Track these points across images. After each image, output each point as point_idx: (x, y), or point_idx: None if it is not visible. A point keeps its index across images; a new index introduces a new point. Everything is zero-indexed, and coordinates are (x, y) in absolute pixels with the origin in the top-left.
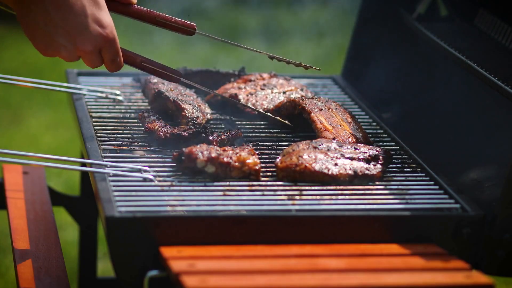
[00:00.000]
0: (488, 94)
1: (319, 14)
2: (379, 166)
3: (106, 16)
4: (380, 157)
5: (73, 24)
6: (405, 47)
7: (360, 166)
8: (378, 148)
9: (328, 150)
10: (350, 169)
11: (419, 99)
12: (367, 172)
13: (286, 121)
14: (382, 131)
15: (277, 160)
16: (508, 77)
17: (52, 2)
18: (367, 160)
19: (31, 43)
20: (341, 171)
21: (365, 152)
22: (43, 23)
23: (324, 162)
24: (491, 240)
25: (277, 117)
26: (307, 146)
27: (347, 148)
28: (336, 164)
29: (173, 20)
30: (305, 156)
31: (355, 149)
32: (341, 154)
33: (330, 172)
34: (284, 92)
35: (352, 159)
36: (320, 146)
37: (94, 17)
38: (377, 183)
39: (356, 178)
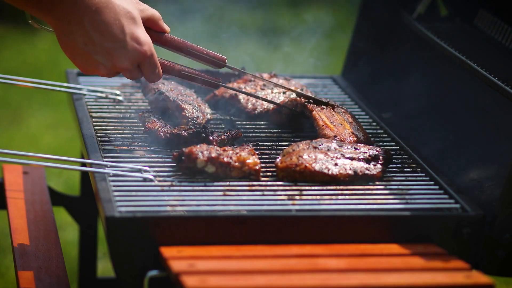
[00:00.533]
0: (488, 94)
1: (319, 14)
2: (379, 166)
3: (142, 33)
4: (380, 157)
5: (111, 43)
6: (405, 47)
7: (360, 166)
8: (378, 148)
9: (328, 150)
10: (350, 169)
11: (419, 99)
12: (367, 172)
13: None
14: (382, 131)
15: (277, 160)
16: (508, 77)
17: (92, 22)
18: (367, 160)
19: (70, 61)
20: (341, 171)
21: (365, 152)
22: (82, 43)
23: (324, 162)
24: (491, 240)
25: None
26: (307, 146)
27: (347, 148)
28: (336, 164)
29: (205, 52)
30: (305, 156)
31: (355, 149)
32: (341, 154)
33: (330, 172)
34: (284, 92)
35: (352, 159)
36: (320, 146)
37: (132, 35)
38: (377, 183)
39: (356, 178)
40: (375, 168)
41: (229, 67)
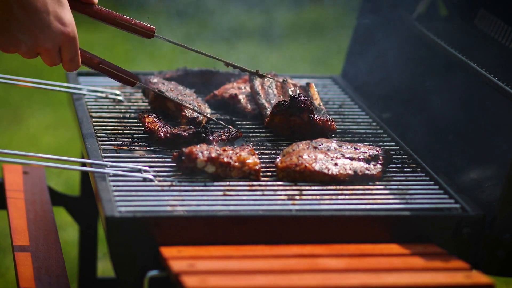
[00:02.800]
0: (488, 94)
1: (319, 14)
2: (379, 166)
3: (68, 14)
4: (380, 157)
5: (35, 21)
6: (405, 47)
7: (360, 166)
8: (378, 148)
9: (328, 150)
10: (350, 169)
11: (419, 99)
12: (367, 172)
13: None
14: (382, 131)
15: (277, 160)
16: (508, 77)
17: (17, 0)
18: (367, 160)
19: None
20: (341, 171)
21: (365, 152)
22: (5, 19)
23: (324, 162)
24: (491, 240)
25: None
26: (307, 146)
27: (347, 148)
28: (336, 164)
29: (133, 22)
30: (305, 156)
31: (355, 149)
32: (341, 154)
33: (330, 172)
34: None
35: (352, 159)
36: (320, 146)
37: (56, 14)
38: (377, 183)
39: (356, 178)
40: (375, 168)
41: (159, 37)
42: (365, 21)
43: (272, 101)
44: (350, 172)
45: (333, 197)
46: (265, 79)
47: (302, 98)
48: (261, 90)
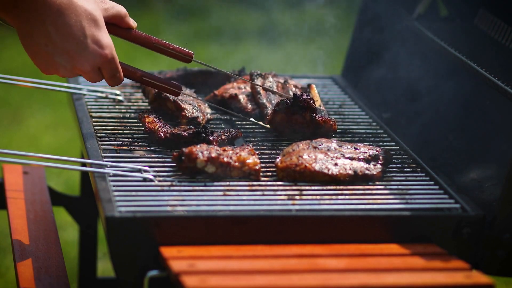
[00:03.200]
0: (488, 94)
1: (319, 14)
2: (379, 166)
3: (105, 36)
4: (380, 157)
5: (72, 45)
6: (405, 47)
7: (360, 166)
8: (378, 148)
9: (328, 150)
10: (350, 169)
11: (419, 99)
12: (367, 172)
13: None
14: (382, 131)
15: (277, 160)
16: (508, 77)
17: (53, 24)
18: (367, 160)
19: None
20: (341, 171)
21: (365, 152)
22: (43, 44)
23: (324, 162)
24: (491, 240)
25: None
26: (307, 146)
27: (347, 148)
28: (336, 164)
29: (171, 47)
30: (305, 156)
31: (355, 149)
32: (341, 154)
33: (330, 172)
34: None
35: (352, 159)
36: (320, 146)
37: (93, 37)
38: (377, 183)
39: (356, 178)
40: (375, 168)
41: (197, 62)
42: (365, 21)
43: (273, 101)
44: (350, 172)
45: (333, 197)
46: (267, 80)
47: (305, 96)
48: (262, 90)
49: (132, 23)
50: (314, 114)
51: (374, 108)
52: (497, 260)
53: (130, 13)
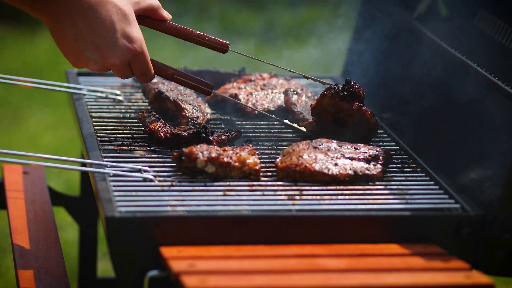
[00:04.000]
0: (488, 94)
1: (319, 14)
2: (379, 166)
3: (135, 31)
4: (380, 157)
5: (102, 40)
6: (405, 47)
7: (360, 166)
8: (378, 148)
9: (328, 150)
10: (350, 169)
11: (419, 99)
12: (367, 172)
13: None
14: (382, 131)
15: (277, 160)
16: (508, 77)
17: (83, 18)
18: (367, 160)
19: (63, 55)
20: (341, 171)
21: (365, 152)
22: (73, 38)
23: (324, 162)
24: (491, 240)
25: (285, 121)
26: (307, 146)
27: (347, 148)
28: (336, 164)
29: (206, 38)
30: (305, 156)
31: (355, 149)
32: (341, 154)
33: (330, 172)
34: (284, 92)
35: (352, 159)
36: (320, 146)
37: (123, 32)
38: (377, 183)
39: (356, 178)
40: (375, 168)
41: (234, 51)
42: (365, 21)
43: (307, 111)
44: (350, 172)
45: (333, 197)
46: (301, 97)
47: (357, 85)
48: (297, 103)
49: (166, 15)
50: (362, 104)
51: (374, 108)
52: (497, 260)
53: None
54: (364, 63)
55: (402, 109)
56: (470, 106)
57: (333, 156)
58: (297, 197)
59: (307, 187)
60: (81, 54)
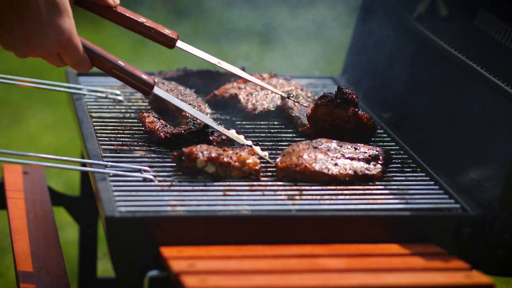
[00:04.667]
0: (488, 94)
1: (319, 14)
2: (379, 166)
3: (65, 21)
4: (380, 157)
5: (27, 29)
6: (405, 47)
7: (360, 166)
8: (378, 148)
9: (328, 150)
10: (350, 169)
11: (419, 99)
12: (367, 172)
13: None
14: (382, 131)
15: (277, 160)
16: (508, 77)
17: (9, 4)
18: (367, 160)
19: None
20: (341, 171)
21: (365, 152)
22: (0, 23)
23: (324, 162)
24: (491, 240)
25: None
26: (307, 146)
27: (347, 148)
28: (336, 164)
29: (153, 30)
30: (305, 156)
31: (355, 149)
32: (341, 154)
33: (330, 172)
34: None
35: (352, 159)
36: (320, 146)
37: (51, 22)
38: (377, 183)
39: (356, 178)
40: (375, 168)
41: (181, 48)
42: (365, 21)
43: (304, 114)
44: (350, 172)
45: (333, 197)
46: (300, 98)
47: (349, 90)
48: (294, 106)
49: (112, 0)
50: (357, 109)
51: (374, 108)
52: (497, 260)
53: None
54: (364, 63)
55: (402, 109)
56: (470, 106)
57: (333, 156)
58: (297, 197)
59: (307, 187)
60: (7, 39)
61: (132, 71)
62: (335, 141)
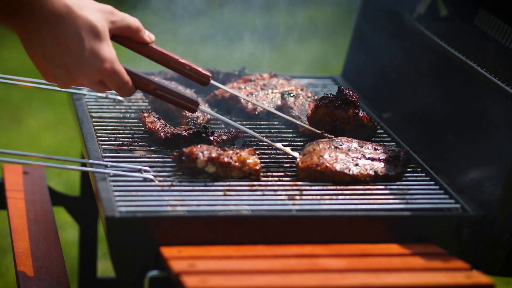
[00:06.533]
0: (488, 94)
1: (319, 14)
2: (399, 166)
3: (106, 49)
4: (401, 158)
5: (69, 58)
6: (405, 47)
7: (381, 166)
8: (398, 149)
9: (349, 150)
10: (370, 169)
11: (419, 99)
12: (387, 172)
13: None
14: (382, 131)
15: (298, 159)
16: (508, 77)
17: (49, 32)
18: (388, 161)
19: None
20: (361, 172)
21: (385, 153)
22: (41, 53)
23: (345, 162)
24: (491, 240)
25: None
26: (328, 146)
27: (368, 148)
28: (357, 165)
29: (187, 67)
30: (326, 156)
31: (375, 149)
32: (362, 154)
33: (351, 173)
34: (289, 93)
35: (372, 159)
36: (341, 146)
37: (92, 50)
38: (377, 183)
39: (377, 179)
40: (395, 169)
41: (215, 85)
42: (365, 21)
43: (305, 115)
44: (371, 172)
45: (333, 197)
46: (299, 98)
47: (349, 91)
48: (294, 106)
49: (147, 37)
50: (358, 110)
51: (374, 108)
52: (497, 260)
53: (126, 10)
54: (364, 63)
55: (402, 109)
56: (470, 106)
57: (354, 156)
58: (297, 197)
59: (307, 187)
60: (49, 69)
61: (176, 90)
62: (356, 140)
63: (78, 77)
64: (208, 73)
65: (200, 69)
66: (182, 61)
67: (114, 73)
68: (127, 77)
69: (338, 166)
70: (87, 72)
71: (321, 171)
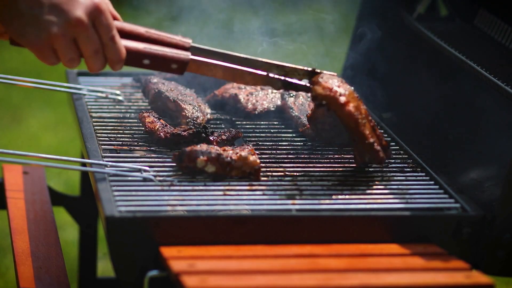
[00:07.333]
0: (488, 94)
1: (319, 14)
2: (386, 153)
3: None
4: (389, 149)
5: None
6: (405, 47)
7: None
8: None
9: None
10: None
11: (419, 99)
12: (378, 149)
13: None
14: (382, 131)
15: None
16: (508, 77)
17: None
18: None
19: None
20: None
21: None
22: (28, 7)
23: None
24: (491, 240)
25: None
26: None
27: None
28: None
29: (166, 40)
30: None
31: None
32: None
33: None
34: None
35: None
36: None
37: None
38: (377, 183)
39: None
40: (384, 153)
41: (196, 47)
42: (365, 21)
43: (305, 114)
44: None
45: (333, 197)
46: (299, 98)
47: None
48: (294, 106)
49: (115, 14)
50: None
51: (374, 108)
52: (497, 260)
53: (126, 14)
54: (363, 63)
55: (402, 109)
56: (470, 106)
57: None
58: (297, 197)
59: (307, 187)
60: (40, 22)
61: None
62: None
63: (73, 12)
64: (187, 40)
65: (178, 38)
66: (157, 33)
67: (107, 13)
68: (114, 28)
69: (352, 108)
70: (82, 5)
71: (335, 98)
